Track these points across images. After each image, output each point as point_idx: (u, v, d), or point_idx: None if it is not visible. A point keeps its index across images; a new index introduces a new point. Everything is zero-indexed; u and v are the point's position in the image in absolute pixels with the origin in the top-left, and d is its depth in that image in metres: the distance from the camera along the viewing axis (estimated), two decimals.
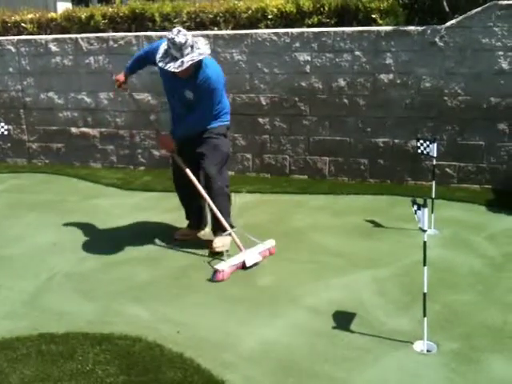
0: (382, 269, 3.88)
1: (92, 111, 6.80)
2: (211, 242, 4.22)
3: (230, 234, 4.09)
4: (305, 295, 3.54)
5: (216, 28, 6.31)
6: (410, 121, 5.67)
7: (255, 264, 3.96)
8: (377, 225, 4.68)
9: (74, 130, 6.93)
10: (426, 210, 2.84)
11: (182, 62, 3.79)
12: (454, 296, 3.47)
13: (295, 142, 6.11)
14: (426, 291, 2.94)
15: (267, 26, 6.11)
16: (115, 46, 6.53)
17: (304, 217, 4.93)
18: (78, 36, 6.69)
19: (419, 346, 2.93)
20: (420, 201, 2.88)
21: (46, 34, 7.03)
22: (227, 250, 4.06)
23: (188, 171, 4.15)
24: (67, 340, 3.02)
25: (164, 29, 6.51)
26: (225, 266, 3.80)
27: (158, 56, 3.90)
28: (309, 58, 5.85)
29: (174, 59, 3.80)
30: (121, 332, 3.09)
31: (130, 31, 6.65)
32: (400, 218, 4.67)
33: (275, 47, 5.93)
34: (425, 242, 2.90)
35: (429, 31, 5.44)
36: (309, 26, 5.93)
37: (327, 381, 2.69)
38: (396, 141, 5.76)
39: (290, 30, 5.89)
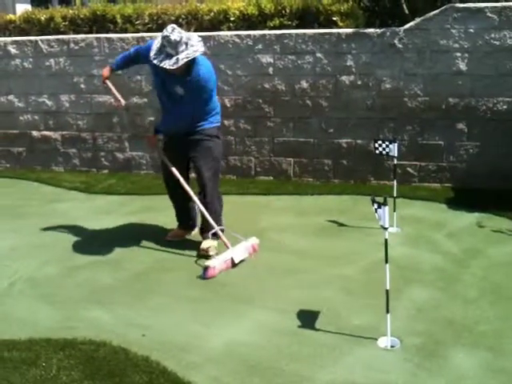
0: (346, 267, 3.93)
1: (53, 114, 6.69)
2: (200, 244, 4.22)
3: (216, 233, 4.10)
4: (269, 295, 3.56)
5: None
6: (372, 122, 5.76)
7: (242, 261, 4.00)
8: (340, 224, 4.74)
9: (35, 133, 6.80)
10: (387, 208, 2.89)
11: (177, 59, 3.80)
12: (417, 292, 3.54)
13: (260, 144, 6.14)
14: (388, 288, 2.99)
15: (229, 28, 6.12)
16: (76, 48, 6.44)
17: (269, 217, 4.96)
18: (38, 38, 6.58)
19: (383, 341, 2.98)
20: (380, 199, 2.93)
21: (4, 36, 6.88)
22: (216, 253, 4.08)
23: (174, 170, 4.18)
24: (30, 346, 2.97)
25: (125, 31, 6.47)
26: (215, 263, 3.83)
27: (152, 53, 3.89)
28: (271, 60, 5.88)
29: (169, 56, 3.82)
30: (84, 337, 3.05)
31: (90, 33, 6.57)
32: (363, 217, 4.74)
33: (238, 49, 5.95)
34: (386, 240, 2.95)
35: (388, 33, 5.54)
36: (271, 28, 5.97)
37: (293, 379, 2.71)
38: (358, 141, 5.84)
39: (252, 32, 5.91)
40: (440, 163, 5.68)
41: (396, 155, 4.49)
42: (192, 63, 3.91)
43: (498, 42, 5.29)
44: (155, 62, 3.86)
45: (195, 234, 4.51)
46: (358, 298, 3.49)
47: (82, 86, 6.51)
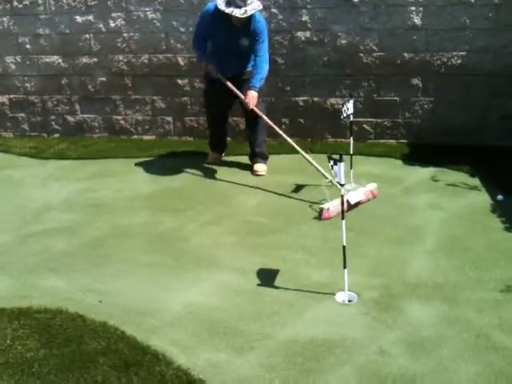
0: (303, 225, 3.94)
1: None
2: (253, 166, 4.99)
3: (265, 157, 5.10)
4: (228, 257, 3.55)
5: None
6: (328, 78, 5.70)
7: (358, 203, 4.11)
8: (298, 183, 4.73)
9: None
10: (342, 165, 2.89)
11: (246, 10, 4.42)
12: (373, 247, 3.58)
13: None
14: (345, 244, 3.01)
15: None
16: (20, 6, 6.13)
17: (226, 178, 4.92)
18: None
19: (341, 296, 3.02)
20: (336, 156, 2.92)
21: None
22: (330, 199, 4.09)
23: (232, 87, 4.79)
24: None
25: None
26: (329, 205, 3.97)
27: (220, 3, 4.44)
28: None
29: (238, 7, 4.41)
30: (40, 305, 2.98)
31: None
32: (320, 176, 4.72)
33: (190, 5, 5.75)
34: (342, 196, 2.95)
35: None
36: None
37: (254, 338, 2.72)
38: (315, 99, 5.79)
39: None
40: (395, 119, 5.70)
41: (352, 112, 4.47)
42: (252, 17, 4.54)
43: None
44: (226, 10, 4.39)
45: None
46: (316, 255, 3.51)
47: (28, 46, 6.23)
